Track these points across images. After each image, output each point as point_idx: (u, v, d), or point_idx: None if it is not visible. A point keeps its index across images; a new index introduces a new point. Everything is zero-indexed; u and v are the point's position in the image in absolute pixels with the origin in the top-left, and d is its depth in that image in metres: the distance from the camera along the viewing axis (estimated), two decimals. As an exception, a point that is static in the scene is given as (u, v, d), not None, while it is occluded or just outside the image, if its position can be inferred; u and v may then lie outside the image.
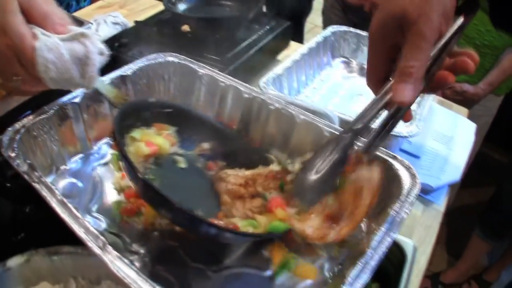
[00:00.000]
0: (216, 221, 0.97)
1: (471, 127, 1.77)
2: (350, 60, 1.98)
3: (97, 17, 2.18)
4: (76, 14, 2.24)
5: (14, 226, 1.14)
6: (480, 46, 2.72)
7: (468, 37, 2.71)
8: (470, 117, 1.90)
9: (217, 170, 1.15)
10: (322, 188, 0.97)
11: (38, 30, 0.97)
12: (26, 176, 0.96)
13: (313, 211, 0.98)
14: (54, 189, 0.91)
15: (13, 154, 1.00)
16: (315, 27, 4.68)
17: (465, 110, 1.94)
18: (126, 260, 0.77)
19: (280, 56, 2.07)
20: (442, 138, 1.68)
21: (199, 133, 1.20)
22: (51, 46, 0.97)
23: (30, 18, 0.99)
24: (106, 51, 1.04)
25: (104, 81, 1.13)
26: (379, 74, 0.98)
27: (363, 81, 1.81)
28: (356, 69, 1.95)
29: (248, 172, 1.10)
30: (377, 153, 1.06)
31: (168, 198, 0.83)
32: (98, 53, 1.02)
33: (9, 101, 1.55)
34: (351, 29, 2.00)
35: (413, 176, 1.01)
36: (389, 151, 1.08)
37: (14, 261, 0.98)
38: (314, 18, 4.00)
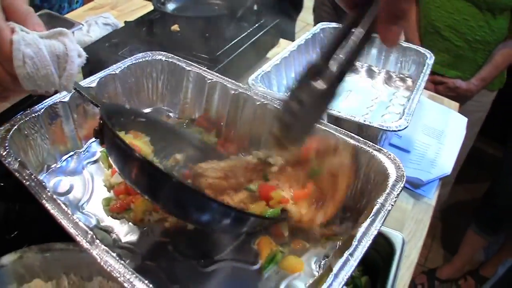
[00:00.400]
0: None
1: (463, 121, 1.78)
2: (340, 57, 1.96)
3: (88, 19, 2.20)
4: (68, 15, 2.25)
5: (6, 224, 1.15)
6: (472, 41, 2.72)
7: (459, 33, 2.71)
8: (464, 112, 1.91)
9: (191, 167, 1.14)
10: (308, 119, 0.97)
11: (17, 26, 0.97)
12: (17, 174, 0.97)
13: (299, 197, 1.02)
14: (45, 187, 0.92)
15: (4, 153, 1.01)
16: (307, 25, 4.69)
17: (456, 104, 1.95)
18: (114, 254, 0.77)
19: (270, 54, 2.07)
20: (432, 132, 1.69)
21: (172, 145, 1.21)
22: (30, 41, 0.96)
23: (10, 15, 0.99)
24: (84, 54, 1.04)
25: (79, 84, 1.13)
26: None
27: (353, 77, 1.82)
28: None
29: (224, 164, 1.11)
30: (359, 144, 1.08)
31: (168, 172, 0.84)
32: (78, 55, 1.01)
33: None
34: (341, 25, 1.97)
35: (398, 168, 1.01)
36: (374, 144, 1.09)
37: (7, 259, 0.98)
38: (306, 16, 4.01)
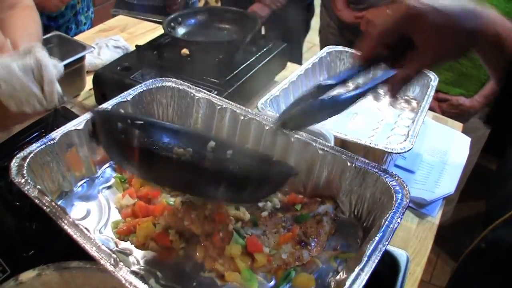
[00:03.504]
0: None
1: (466, 141, 1.80)
2: (346, 79, 2.00)
3: (99, 41, 2.24)
4: (78, 37, 2.29)
5: (24, 243, 1.20)
6: (476, 59, 2.68)
7: None
8: (468, 130, 1.93)
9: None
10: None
11: None
12: (37, 201, 1.00)
13: (284, 240, 1.11)
14: (65, 212, 0.96)
15: (22, 180, 1.05)
16: (314, 46, 4.73)
17: (459, 125, 1.97)
18: (136, 277, 0.83)
19: (278, 77, 2.11)
20: (436, 152, 1.71)
21: (173, 140, 1.24)
22: (2, 64, 1.03)
23: None
24: (60, 65, 1.11)
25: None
26: (373, 50, 1.07)
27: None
28: (352, 88, 1.94)
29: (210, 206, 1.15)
30: (366, 166, 1.14)
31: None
32: (51, 64, 1.07)
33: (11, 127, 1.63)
34: (346, 48, 2.03)
35: (403, 187, 1.07)
36: (379, 165, 1.13)
37: (26, 276, 1.02)
38: (312, 37, 4.05)
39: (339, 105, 1.08)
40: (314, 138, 1.24)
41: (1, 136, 1.64)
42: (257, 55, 1.94)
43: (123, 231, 1.14)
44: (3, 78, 1.02)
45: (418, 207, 1.50)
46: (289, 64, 2.16)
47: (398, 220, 0.99)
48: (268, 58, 1.96)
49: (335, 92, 1.10)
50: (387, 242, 0.93)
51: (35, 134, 1.55)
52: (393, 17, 1.02)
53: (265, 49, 1.98)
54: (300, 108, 1.05)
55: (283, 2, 3.52)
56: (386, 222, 0.98)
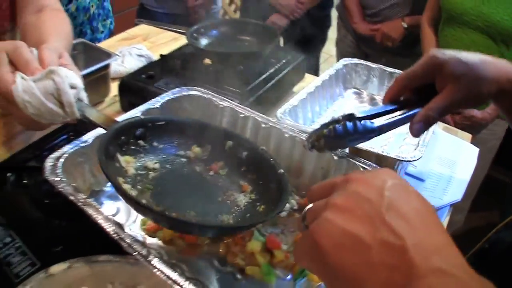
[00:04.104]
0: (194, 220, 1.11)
1: (474, 151, 1.86)
2: (361, 91, 2.07)
3: (122, 49, 2.31)
4: (102, 45, 2.36)
5: (53, 238, 1.27)
6: None
7: None
8: (478, 141, 1.99)
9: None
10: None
11: (19, 75, 1.13)
12: (72, 198, 1.07)
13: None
14: (99, 209, 1.03)
15: (57, 179, 1.13)
16: (330, 57, 4.79)
17: (468, 136, 2.02)
18: (167, 266, 0.91)
19: (295, 88, 2.15)
20: (446, 162, 1.77)
21: (192, 138, 1.31)
22: (25, 88, 1.12)
23: (16, 65, 1.18)
24: (80, 85, 1.18)
25: (89, 107, 1.22)
26: (399, 92, 1.21)
27: None
28: (367, 99, 2.03)
29: None
30: None
31: (148, 206, 0.99)
32: (69, 86, 1.14)
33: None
34: (362, 61, 2.08)
35: None
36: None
37: (56, 268, 1.07)
38: (329, 48, 4.11)
39: (369, 132, 1.15)
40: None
41: (28, 137, 1.75)
42: (276, 67, 1.98)
43: (152, 228, 1.21)
44: (28, 101, 1.12)
45: None
46: (307, 75, 2.21)
47: None
48: (286, 70, 2.01)
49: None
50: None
51: (63, 137, 1.65)
52: (418, 64, 1.15)
53: (284, 61, 2.03)
54: (330, 130, 1.12)
55: (301, 12, 3.64)
56: None
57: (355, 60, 2.08)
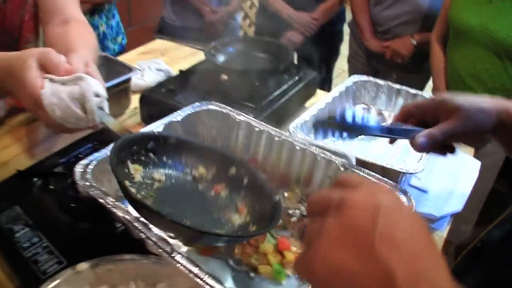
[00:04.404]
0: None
1: (476, 164, 1.92)
2: (370, 107, 2.14)
3: (142, 63, 2.40)
4: (121, 58, 2.42)
5: (78, 239, 1.36)
6: (492, 89, 2.79)
7: (480, 80, 2.80)
8: (482, 155, 2.04)
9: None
10: None
11: (48, 78, 1.22)
12: (101, 201, 1.16)
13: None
14: (128, 210, 1.12)
15: (86, 183, 1.21)
16: (343, 72, 4.84)
17: (471, 150, 2.08)
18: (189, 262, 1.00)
19: (308, 103, 2.26)
20: (448, 174, 1.84)
21: (199, 159, 1.38)
22: (53, 91, 1.20)
23: (46, 69, 1.25)
24: (104, 94, 1.26)
25: (108, 116, 1.29)
26: (406, 116, 1.34)
27: None
28: (375, 114, 2.11)
29: None
30: (378, 181, 1.34)
31: (152, 207, 1.05)
32: (94, 95, 1.22)
33: (73, 134, 1.74)
34: (371, 78, 2.16)
35: (409, 199, 1.26)
36: (390, 181, 1.33)
37: (83, 266, 1.14)
38: (342, 63, 4.16)
39: (370, 130, 1.27)
40: (337, 157, 1.43)
41: (51, 145, 1.85)
42: (289, 83, 2.07)
43: None
44: (55, 103, 1.20)
45: (429, 222, 1.63)
46: (318, 91, 2.29)
47: None
48: (299, 86, 2.11)
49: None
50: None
51: (88, 146, 1.74)
52: (430, 98, 1.30)
53: (296, 78, 2.11)
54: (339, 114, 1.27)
55: (316, 29, 3.71)
56: None
57: (365, 78, 2.15)
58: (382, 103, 2.17)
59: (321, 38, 3.82)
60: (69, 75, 1.24)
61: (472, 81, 2.83)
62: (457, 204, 1.70)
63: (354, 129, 1.26)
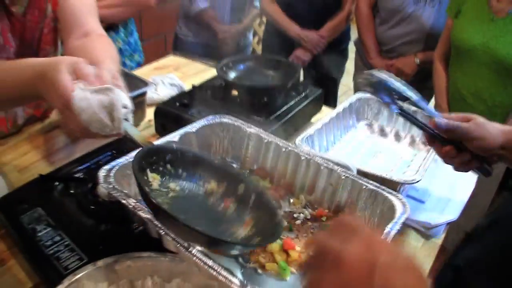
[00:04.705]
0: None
1: (472, 177, 1.98)
2: (372, 123, 2.24)
3: (155, 78, 2.48)
4: (136, 73, 2.45)
5: (97, 239, 1.45)
6: (492, 106, 2.84)
7: (481, 99, 2.85)
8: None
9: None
10: None
11: (79, 84, 1.27)
12: (124, 201, 1.26)
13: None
14: (148, 210, 1.22)
15: (110, 186, 1.32)
16: (349, 90, 4.87)
17: None
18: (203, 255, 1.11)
19: (314, 118, 2.35)
20: (445, 186, 1.91)
21: (214, 174, 1.44)
22: (83, 97, 1.25)
23: (78, 74, 1.31)
24: (130, 106, 1.33)
25: (132, 127, 1.35)
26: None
27: (382, 140, 2.12)
28: (377, 130, 2.20)
29: None
30: (378, 189, 1.44)
31: (169, 212, 1.12)
32: (122, 106, 1.28)
33: (89, 144, 1.92)
34: (373, 96, 2.25)
35: (404, 205, 1.36)
36: (388, 189, 1.44)
37: (103, 262, 1.21)
38: (348, 80, 4.24)
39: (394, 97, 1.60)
40: (339, 167, 1.53)
41: (69, 153, 1.95)
42: (296, 99, 2.19)
43: None
44: (84, 108, 1.25)
45: (426, 229, 1.70)
46: (324, 107, 2.38)
47: (398, 227, 1.27)
48: (305, 102, 2.21)
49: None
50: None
51: (107, 154, 1.82)
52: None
53: (303, 95, 2.23)
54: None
55: (323, 46, 3.75)
56: (388, 229, 1.25)
57: (368, 95, 2.24)
58: (384, 119, 2.27)
59: (327, 56, 3.87)
60: (98, 85, 1.30)
61: (473, 99, 2.87)
62: (452, 213, 1.77)
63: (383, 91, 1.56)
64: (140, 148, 1.30)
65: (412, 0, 3.38)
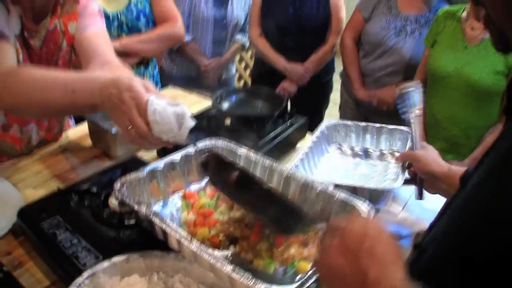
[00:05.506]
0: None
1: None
2: (342, 145, 2.49)
3: (156, 107, 2.67)
4: None
5: (110, 241, 1.62)
6: (466, 129, 3.04)
7: (456, 122, 3.06)
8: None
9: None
10: None
11: (152, 95, 1.47)
12: (136, 208, 1.45)
13: (293, 242, 1.55)
14: (159, 216, 1.42)
15: (124, 195, 1.52)
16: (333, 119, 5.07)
17: None
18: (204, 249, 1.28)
19: (298, 144, 2.51)
20: (416, 204, 2.05)
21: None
22: (158, 101, 1.45)
23: (148, 91, 1.50)
24: (194, 121, 1.54)
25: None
26: None
27: (354, 159, 2.35)
28: (349, 152, 2.46)
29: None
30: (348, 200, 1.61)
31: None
32: (190, 126, 1.50)
33: (98, 165, 2.13)
34: (340, 122, 2.50)
35: (369, 211, 1.54)
36: (358, 199, 1.61)
37: (117, 259, 1.39)
38: (333, 110, 4.51)
39: None
40: (315, 182, 1.73)
41: (81, 172, 2.15)
42: (282, 127, 2.35)
43: (191, 232, 1.56)
44: (157, 110, 1.43)
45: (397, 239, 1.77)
46: (308, 134, 2.57)
47: None
48: (290, 130, 2.38)
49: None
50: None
51: (118, 173, 1.97)
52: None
53: (288, 123, 2.40)
54: None
55: (308, 78, 3.93)
56: None
57: (334, 121, 2.48)
58: (352, 140, 2.48)
59: (312, 87, 4.08)
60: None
61: (448, 124, 3.07)
62: (422, 224, 1.89)
63: None
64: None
65: (393, 33, 3.57)
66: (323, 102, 4.36)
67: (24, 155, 2.33)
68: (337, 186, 1.78)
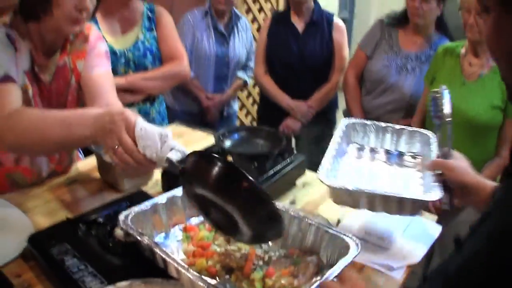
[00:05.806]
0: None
1: (437, 228, 2.16)
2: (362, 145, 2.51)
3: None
4: None
5: (115, 268, 1.69)
6: (478, 147, 3.05)
7: None
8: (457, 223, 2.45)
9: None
10: None
11: (139, 118, 1.57)
12: (139, 238, 1.56)
13: (284, 273, 1.63)
14: (160, 246, 1.52)
15: (129, 227, 1.62)
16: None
17: (434, 217, 2.31)
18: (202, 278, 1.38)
19: (298, 181, 2.57)
20: (409, 235, 2.09)
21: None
22: (145, 124, 1.55)
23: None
24: (180, 148, 1.65)
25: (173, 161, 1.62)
26: None
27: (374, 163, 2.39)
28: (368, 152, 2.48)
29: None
30: (338, 234, 1.68)
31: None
32: (171, 146, 1.60)
33: (106, 197, 2.18)
34: (358, 120, 2.53)
35: (357, 245, 1.60)
36: (347, 235, 1.67)
37: (121, 284, 1.48)
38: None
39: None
40: (307, 217, 1.80)
41: (89, 202, 2.19)
42: (282, 164, 2.40)
43: (188, 264, 1.60)
44: (144, 127, 1.54)
45: (388, 270, 1.86)
46: (307, 171, 2.62)
47: (349, 260, 1.53)
48: (290, 167, 2.43)
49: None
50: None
51: (123, 205, 2.03)
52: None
53: (288, 161, 2.45)
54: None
55: (311, 116, 4.01)
56: (338, 263, 1.52)
57: (353, 120, 2.52)
58: (371, 141, 2.49)
59: (316, 124, 4.12)
60: None
61: None
62: (414, 258, 1.95)
63: None
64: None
65: (394, 70, 3.65)
66: (326, 139, 4.13)
67: (35, 186, 2.37)
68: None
